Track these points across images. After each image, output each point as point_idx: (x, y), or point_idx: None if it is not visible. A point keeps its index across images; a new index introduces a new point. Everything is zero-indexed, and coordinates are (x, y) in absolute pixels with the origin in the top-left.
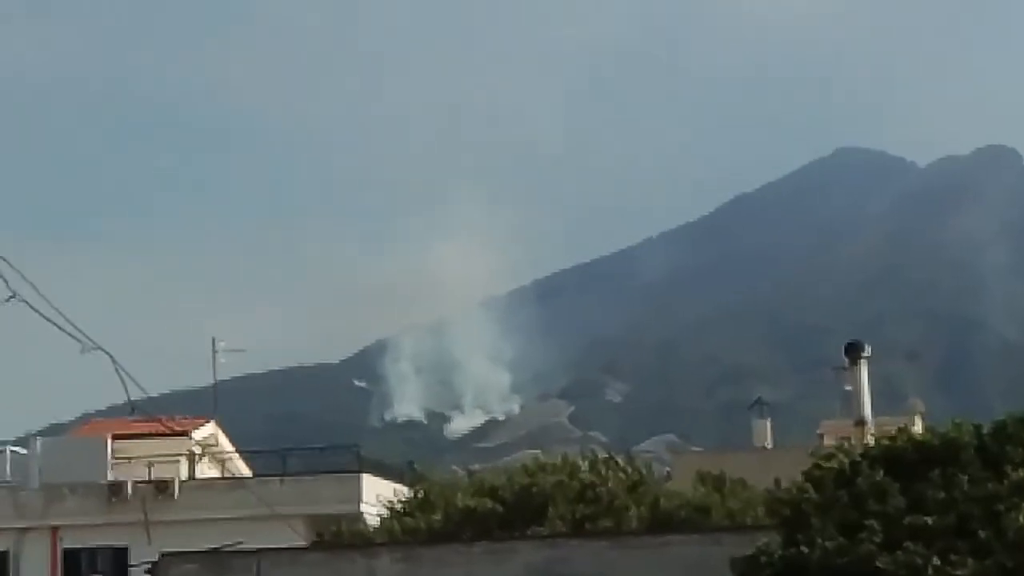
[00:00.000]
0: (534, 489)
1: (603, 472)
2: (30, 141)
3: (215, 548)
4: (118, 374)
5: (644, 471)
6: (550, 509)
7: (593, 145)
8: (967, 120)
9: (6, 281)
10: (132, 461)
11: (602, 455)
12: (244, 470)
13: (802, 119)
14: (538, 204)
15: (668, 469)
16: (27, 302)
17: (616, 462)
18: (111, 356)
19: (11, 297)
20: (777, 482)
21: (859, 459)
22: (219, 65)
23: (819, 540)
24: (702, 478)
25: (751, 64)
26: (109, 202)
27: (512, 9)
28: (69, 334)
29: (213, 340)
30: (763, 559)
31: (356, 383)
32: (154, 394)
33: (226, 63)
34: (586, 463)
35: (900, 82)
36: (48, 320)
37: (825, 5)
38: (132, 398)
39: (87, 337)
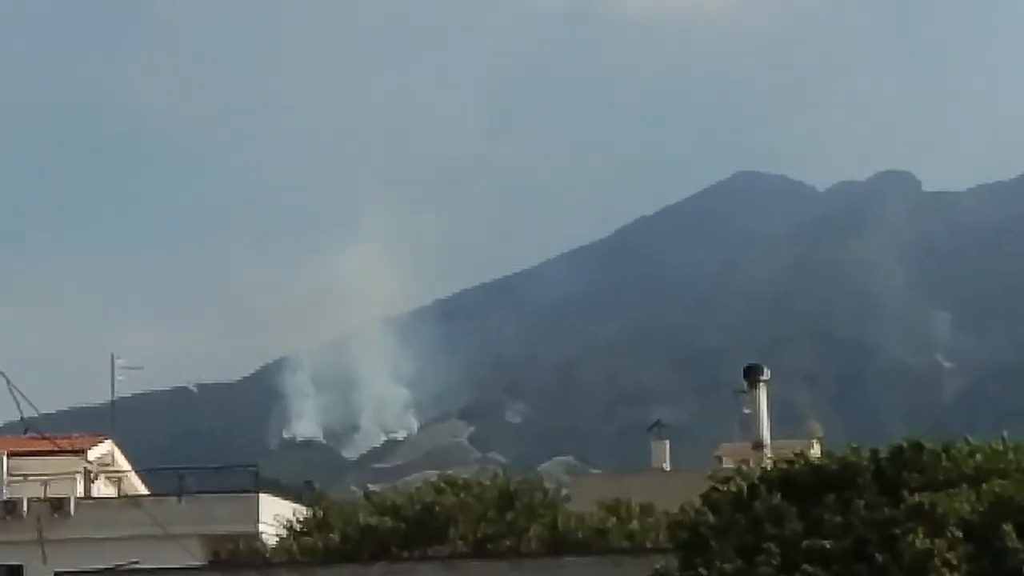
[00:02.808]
0: (436, 508)
1: (511, 491)
2: None
3: (110, 567)
4: (11, 393)
5: (550, 492)
6: (451, 529)
7: (496, 164)
8: (865, 145)
9: None
10: (27, 479)
11: (512, 476)
12: (141, 488)
13: (703, 143)
14: (441, 223)
15: (566, 491)
16: None
17: (530, 480)
18: (4, 375)
19: None
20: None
21: (757, 483)
22: (121, 80)
23: (717, 563)
24: (603, 504)
25: (652, 86)
26: (6, 217)
27: (429, 22)
28: None
29: (112, 357)
30: None
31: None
32: (52, 411)
33: (128, 80)
34: (498, 479)
35: (799, 106)
36: None
37: (724, 30)
38: (25, 416)
39: None
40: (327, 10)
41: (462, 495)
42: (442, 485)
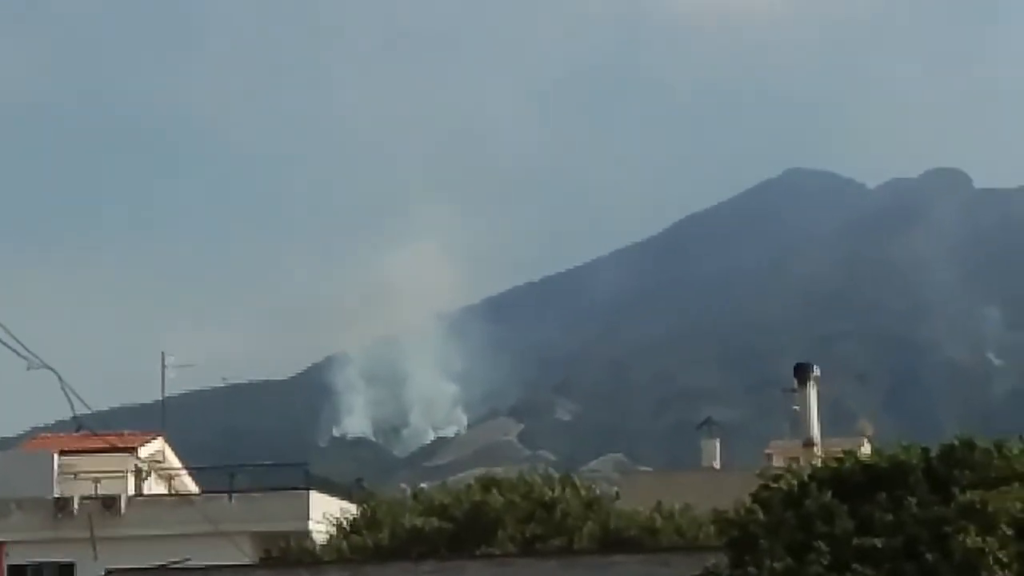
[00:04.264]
0: (483, 508)
1: (560, 489)
2: None
3: (162, 565)
4: (64, 391)
5: (595, 490)
6: (500, 531)
7: (547, 163)
8: (915, 142)
9: None
10: (79, 477)
11: (556, 474)
12: (192, 486)
13: (754, 140)
14: (491, 220)
15: (616, 489)
16: None
17: (572, 481)
18: (57, 373)
19: None
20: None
21: (807, 481)
22: (173, 80)
23: (767, 562)
24: (643, 509)
25: (702, 85)
26: (57, 216)
27: (480, 25)
28: (14, 351)
29: (162, 355)
30: None
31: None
32: (103, 408)
33: (180, 78)
34: (541, 480)
35: (850, 104)
36: None
37: (777, 28)
38: (78, 414)
39: (32, 354)
40: (383, 13)
41: (509, 495)
42: (489, 485)
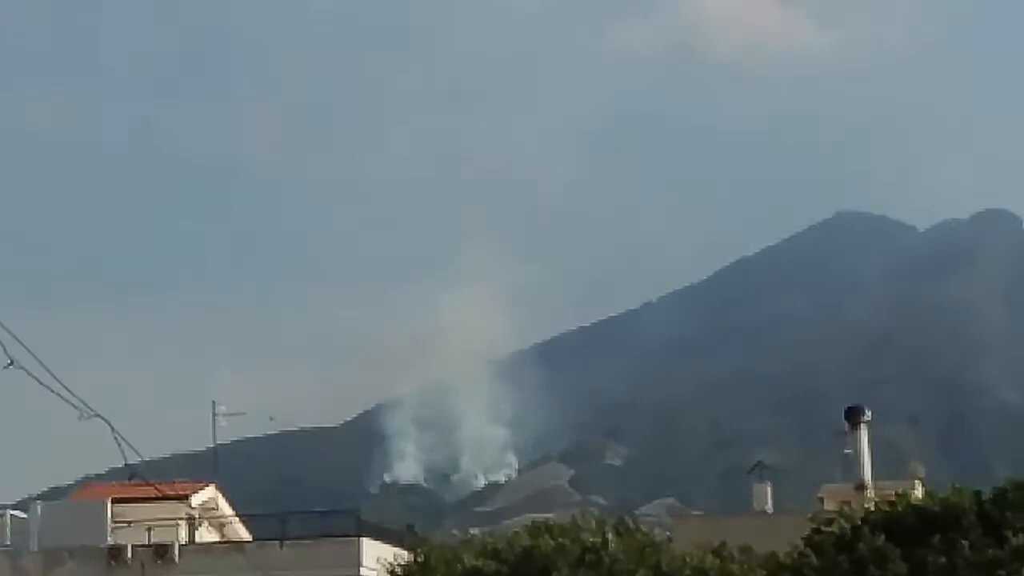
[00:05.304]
0: (535, 552)
1: (606, 535)
2: (29, 207)
3: None
4: (115, 440)
5: (650, 534)
6: (554, 573)
7: (595, 207)
8: (967, 184)
9: (4, 348)
10: (132, 525)
11: (608, 518)
12: (244, 534)
13: (803, 183)
14: (541, 265)
15: (668, 533)
16: (25, 369)
17: (626, 525)
18: (108, 422)
19: (9, 364)
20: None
21: (860, 524)
22: (219, 127)
23: None
24: (702, 546)
25: (752, 128)
26: (106, 268)
27: (528, 68)
28: (67, 400)
29: (213, 404)
30: None
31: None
32: (155, 457)
33: (225, 126)
34: (592, 523)
35: (901, 146)
36: (46, 387)
37: (826, 71)
38: (130, 463)
39: (84, 404)
40: (431, 58)
41: (560, 539)
42: (537, 532)
